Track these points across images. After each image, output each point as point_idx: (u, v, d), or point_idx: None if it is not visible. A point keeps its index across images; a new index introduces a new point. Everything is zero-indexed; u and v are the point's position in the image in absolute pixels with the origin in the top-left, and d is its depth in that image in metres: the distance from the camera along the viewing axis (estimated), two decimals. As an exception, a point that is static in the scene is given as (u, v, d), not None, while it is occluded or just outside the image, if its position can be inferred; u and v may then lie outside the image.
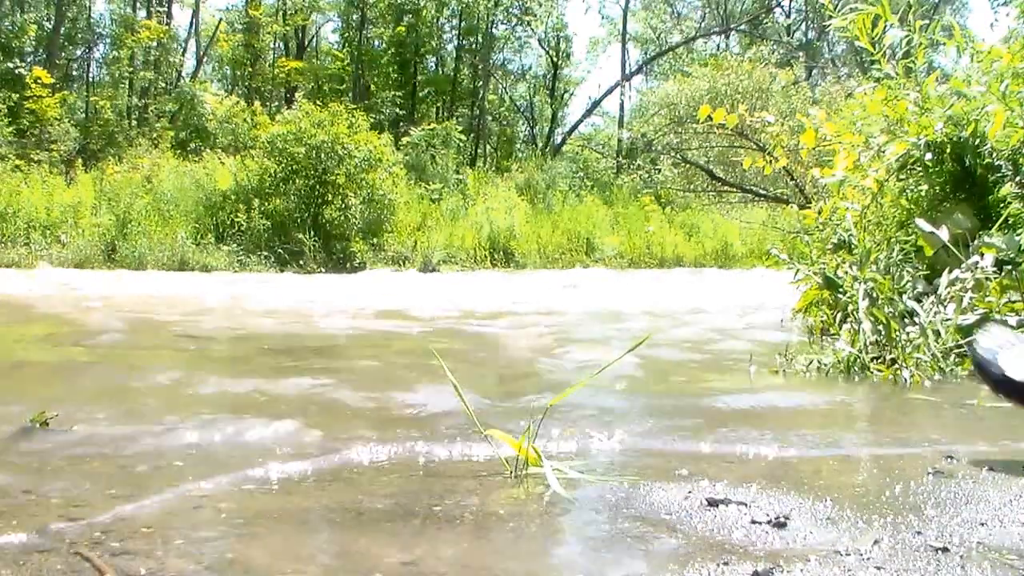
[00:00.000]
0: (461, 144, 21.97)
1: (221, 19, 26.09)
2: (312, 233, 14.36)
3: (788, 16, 30.45)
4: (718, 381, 2.29)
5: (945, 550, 0.92)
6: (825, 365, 2.45)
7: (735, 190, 18.37)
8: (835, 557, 0.90)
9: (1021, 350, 1.33)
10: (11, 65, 18.31)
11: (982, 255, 2.66)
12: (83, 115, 20.24)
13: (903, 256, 3.02)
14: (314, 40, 28.57)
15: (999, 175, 3.12)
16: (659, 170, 22.13)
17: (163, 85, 21.99)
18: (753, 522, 1.03)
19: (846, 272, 2.98)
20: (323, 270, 13.56)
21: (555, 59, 30.03)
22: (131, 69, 21.85)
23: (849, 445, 1.54)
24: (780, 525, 1.02)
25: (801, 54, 26.87)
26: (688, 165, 20.18)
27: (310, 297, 7.18)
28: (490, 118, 28.03)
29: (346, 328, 4.35)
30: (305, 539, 0.99)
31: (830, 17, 3.57)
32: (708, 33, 31.79)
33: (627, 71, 31.53)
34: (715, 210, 20.05)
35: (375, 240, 15.15)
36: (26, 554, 0.90)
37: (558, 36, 29.85)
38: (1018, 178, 3.05)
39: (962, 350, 2.30)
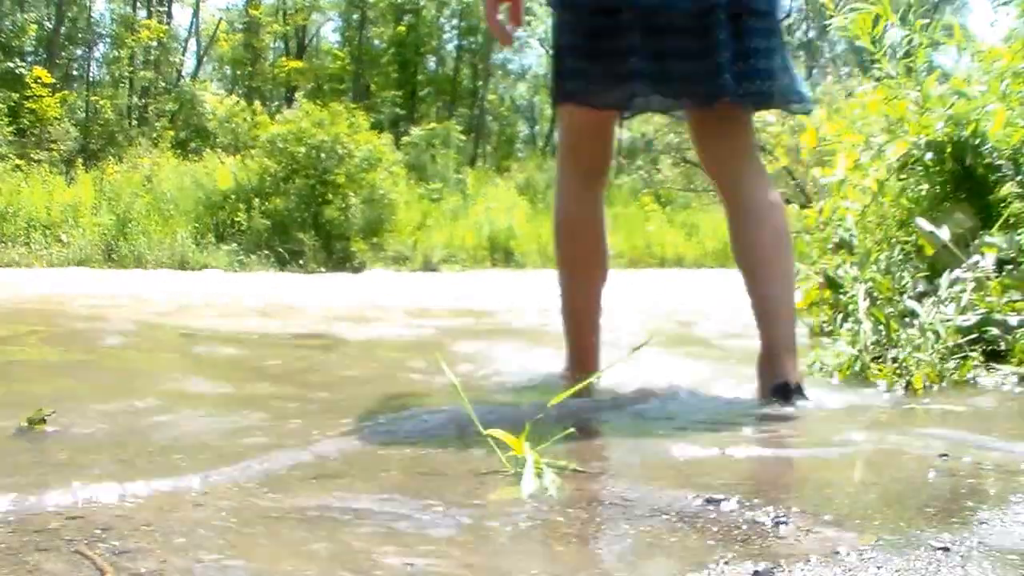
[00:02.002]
0: (461, 144, 21.97)
1: (221, 19, 26.11)
2: (312, 233, 14.35)
3: (788, 16, 30.46)
4: (719, 380, 2.29)
5: (946, 550, 0.92)
6: (826, 365, 2.45)
7: (735, 190, 18.28)
8: (836, 557, 0.90)
9: None
10: (11, 65, 18.33)
11: (983, 254, 2.66)
12: (83, 115, 20.26)
13: (903, 256, 3.02)
14: (314, 40, 28.58)
15: (1000, 175, 3.12)
16: (659, 170, 22.13)
17: (163, 85, 22.02)
18: (754, 521, 1.03)
19: (846, 272, 2.97)
20: (323, 270, 13.56)
21: (555, 59, 29.98)
22: (131, 69, 21.87)
23: (850, 443, 1.55)
24: (781, 524, 1.02)
25: (801, 54, 26.86)
26: (688, 165, 20.15)
27: (309, 295, 7.18)
28: (490, 118, 28.04)
29: (347, 326, 4.35)
30: (305, 538, 0.99)
31: (830, 16, 3.57)
32: (708, 33, 31.82)
33: (627, 71, 31.50)
34: (715, 210, 20.02)
35: (375, 240, 15.15)
36: (25, 552, 0.90)
37: (558, 36, 29.83)
38: (1019, 177, 3.06)
39: (963, 351, 2.30)
